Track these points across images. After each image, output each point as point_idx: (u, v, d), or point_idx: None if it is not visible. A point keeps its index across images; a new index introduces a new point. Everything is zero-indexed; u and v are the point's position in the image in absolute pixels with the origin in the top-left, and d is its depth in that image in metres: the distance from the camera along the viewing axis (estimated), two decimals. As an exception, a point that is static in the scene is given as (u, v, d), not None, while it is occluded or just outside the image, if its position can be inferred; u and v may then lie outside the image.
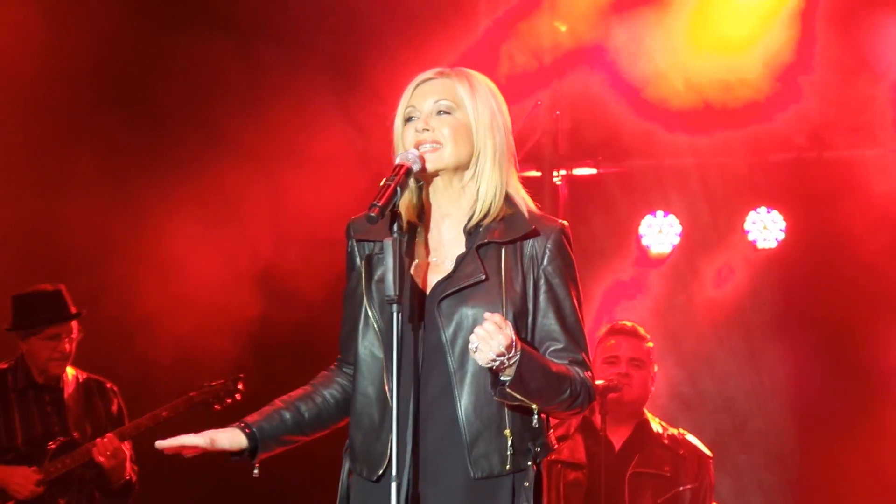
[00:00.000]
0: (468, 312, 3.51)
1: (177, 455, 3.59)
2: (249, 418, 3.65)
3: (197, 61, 7.78)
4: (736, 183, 8.47)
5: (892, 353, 8.05)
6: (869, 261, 8.05)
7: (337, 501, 3.68)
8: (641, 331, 6.45)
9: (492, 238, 3.58)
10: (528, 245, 3.61)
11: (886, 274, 8.09)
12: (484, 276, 3.53)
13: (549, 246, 3.61)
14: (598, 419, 6.17)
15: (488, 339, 3.32)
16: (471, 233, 3.62)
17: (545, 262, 3.60)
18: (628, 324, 6.53)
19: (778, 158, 8.41)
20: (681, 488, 6.11)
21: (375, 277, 3.62)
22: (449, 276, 3.57)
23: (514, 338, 3.36)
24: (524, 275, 3.58)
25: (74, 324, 6.59)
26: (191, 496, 7.91)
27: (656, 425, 6.31)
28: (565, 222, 3.70)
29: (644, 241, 8.67)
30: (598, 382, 6.00)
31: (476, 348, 3.34)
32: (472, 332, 3.41)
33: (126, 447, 6.43)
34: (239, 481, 7.93)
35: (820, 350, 8.32)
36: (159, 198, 7.74)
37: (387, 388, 3.51)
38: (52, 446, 6.43)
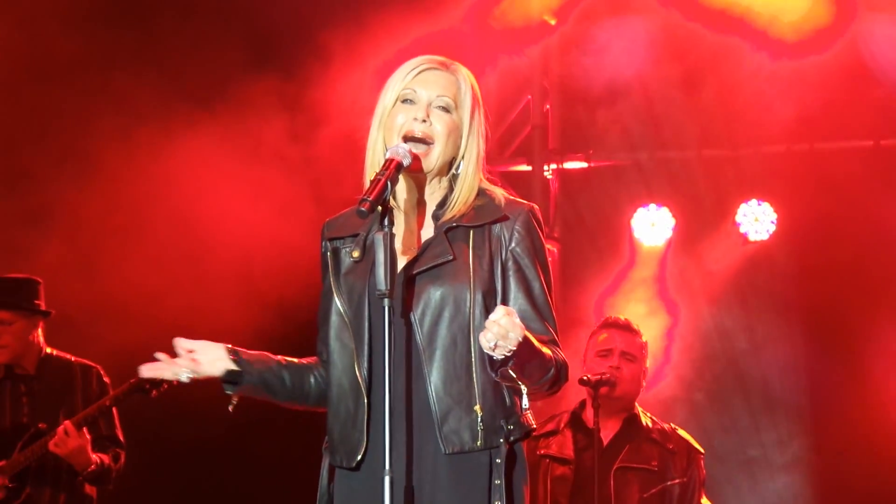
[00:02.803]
0: (436, 291, 3.56)
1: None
2: (242, 351, 3.67)
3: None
4: (727, 175, 8.47)
5: (883, 342, 8.07)
6: (859, 252, 8.07)
7: (318, 497, 3.69)
8: (634, 325, 6.43)
9: (460, 222, 3.64)
10: (496, 227, 3.65)
11: (877, 265, 8.10)
12: (451, 257, 3.59)
13: (517, 227, 3.66)
14: (588, 414, 6.18)
15: (505, 335, 3.31)
16: (439, 218, 3.67)
17: (513, 243, 3.65)
18: (622, 318, 6.50)
19: (769, 150, 8.42)
20: (669, 483, 6.08)
21: (343, 270, 3.68)
22: (417, 257, 3.62)
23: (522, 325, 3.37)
24: (492, 255, 3.63)
25: (5, 314, 6.44)
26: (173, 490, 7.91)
27: (646, 420, 6.28)
28: (535, 205, 3.75)
29: (636, 235, 8.67)
30: (589, 376, 6.05)
31: (494, 346, 3.32)
32: (439, 309, 3.52)
33: (83, 436, 6.25)
34: (222, 479, 7.98)
35: (812, 341, 8.33)
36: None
37: (358, 375, 3.56)
38: (21, 440, 6.34)
